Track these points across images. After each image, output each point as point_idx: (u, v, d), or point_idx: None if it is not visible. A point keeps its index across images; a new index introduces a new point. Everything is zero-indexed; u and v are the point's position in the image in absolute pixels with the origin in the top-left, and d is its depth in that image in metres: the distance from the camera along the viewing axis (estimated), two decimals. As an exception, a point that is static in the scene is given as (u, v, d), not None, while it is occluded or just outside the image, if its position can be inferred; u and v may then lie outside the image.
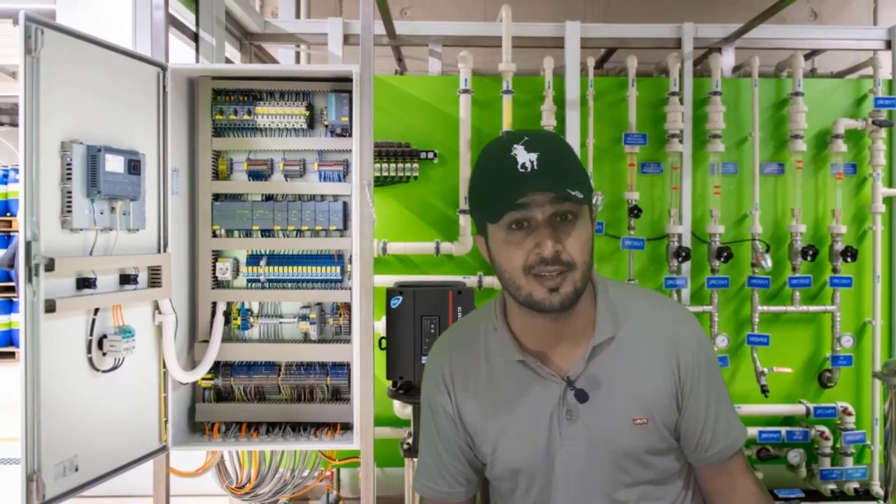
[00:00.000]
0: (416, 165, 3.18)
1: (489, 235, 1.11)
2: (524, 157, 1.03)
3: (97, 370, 1.99)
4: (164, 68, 2.27)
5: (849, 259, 3.19)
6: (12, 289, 6.82)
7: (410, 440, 2.55)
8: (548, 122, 3.17)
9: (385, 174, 3.16)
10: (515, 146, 1.05)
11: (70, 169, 1.87)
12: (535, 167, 1.03)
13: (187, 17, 2.90)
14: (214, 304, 2.47)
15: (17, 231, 1.98)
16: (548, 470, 1.15)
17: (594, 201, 3.13)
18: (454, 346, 1.23)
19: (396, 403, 3.10)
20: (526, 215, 1.05)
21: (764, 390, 3.19)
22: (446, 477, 1.22)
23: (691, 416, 1.16)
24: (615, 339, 1.14)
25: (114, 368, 2.03)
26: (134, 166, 2.06)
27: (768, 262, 3.18)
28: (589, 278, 1.10)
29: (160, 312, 2.23)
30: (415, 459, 2.51)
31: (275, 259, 2.48)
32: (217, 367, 2.47)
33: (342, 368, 2.47)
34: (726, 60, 3.39)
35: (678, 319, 1.18)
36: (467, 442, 1.21)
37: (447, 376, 1.21)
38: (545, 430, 1.14)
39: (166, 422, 2.29)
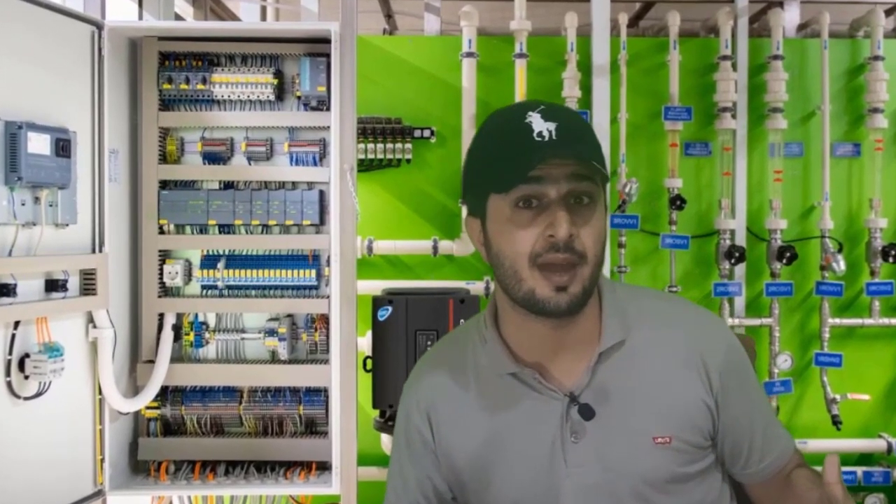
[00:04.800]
0: (409, 146, 3.18)
1: (489, 214, 1.13)
2: (541, 125, 1.07)
3: (17, 397, 1.98)
4: (99, 27, 2.27)
5: (940, 261, 3.19)
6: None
7: (402, 483, 2.55)
8: (571, 92, 3.17)
9: (371, 156, 3.16)
10: (531, 113, 1.09)
11: (-16, 150, 1.87)
12: (554, 137, 1.07)
13: (128, -36, 2.91)
14: (162, 315, 2.46)
15: (-80, 226, 1.97)
16: (552, 502, 1.16)
17: (628, 190, 3.13)
18: (436, 369, 1.26)
19: (384, 437, 3.10)
20: (538, 191, 1.07)
21: (836, 422, 3.19)
22: None
23: (734, 428, 1.20)
24: (626, 343, 1.17)
25: (38, 395, 2.03)
26: (63, 147, 2.06)
27: (841, 265, 3.18)
28: (598, 278, 1.14)
29: (95, 326, 2.23)
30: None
31: (236, 261, 2.48)
32: (165, 394, 2.46)
33: (318, 395, 2.47)
34: (789, 17, 3.38)
35: (701, 320, 1.23)
36: (448, 482, 1.24)
37: (429, 405, 1.24)
38: (546, 457, 1.16)
39: (102, 460, 2.28)
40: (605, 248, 1.13)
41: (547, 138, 1.06)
